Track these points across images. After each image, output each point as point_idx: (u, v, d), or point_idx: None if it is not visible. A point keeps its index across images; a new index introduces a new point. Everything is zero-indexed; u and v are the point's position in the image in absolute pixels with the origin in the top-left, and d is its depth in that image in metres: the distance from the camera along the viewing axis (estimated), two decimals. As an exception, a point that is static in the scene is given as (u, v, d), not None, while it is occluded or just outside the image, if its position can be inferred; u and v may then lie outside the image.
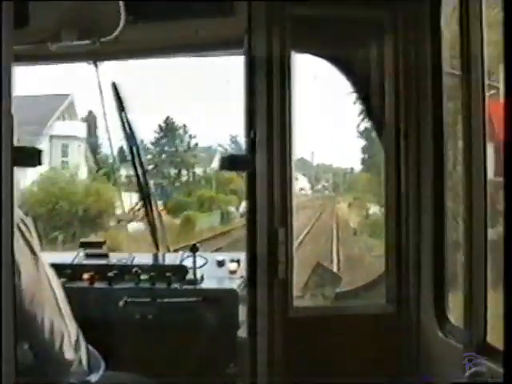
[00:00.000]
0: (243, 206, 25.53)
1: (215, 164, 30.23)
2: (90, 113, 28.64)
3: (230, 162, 3.59)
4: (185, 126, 32.17)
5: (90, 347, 3.06)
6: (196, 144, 32.42)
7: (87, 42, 3.86)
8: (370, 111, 3.84)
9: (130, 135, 4.56)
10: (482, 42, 2.95)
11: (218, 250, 14.50)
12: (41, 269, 2.76)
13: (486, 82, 3.00)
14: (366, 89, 3.81)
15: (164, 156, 32.01)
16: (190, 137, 32.41)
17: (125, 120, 4.46)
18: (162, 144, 32.01)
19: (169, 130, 32.42)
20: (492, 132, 3.11)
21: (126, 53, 4.20)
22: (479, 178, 2.93)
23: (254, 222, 3.42)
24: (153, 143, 31.60)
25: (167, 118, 32.11)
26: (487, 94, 3.01)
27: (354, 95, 3.87)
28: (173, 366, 3.87)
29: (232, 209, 28.20)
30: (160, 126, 32.09)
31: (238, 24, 3.52)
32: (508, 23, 2.16)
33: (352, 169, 32.06)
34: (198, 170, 32.04)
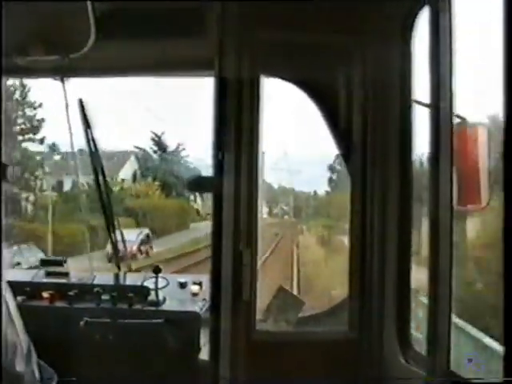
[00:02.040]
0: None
1: (127, 172, 25.23)
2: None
3: (197, 183, 3.58)
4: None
5: (41, 362, 3.01)
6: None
7: (55, 57, 3.83)
8: (337, 135, 3.85)
9: (94, 153, 4.52)
10: (451, 70, 2.99)
11: None
12: None
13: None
14: (334, 114, 3.82)
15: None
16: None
17: (90, 137, 4.42)
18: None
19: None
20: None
21: (94, 70, 4.17)
22: (446, 206, 2.95)
23: (219, 244, 3.40)
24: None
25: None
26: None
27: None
28: None
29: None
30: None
31: (209, 46, 3.52)
32: (508, 24, 2.17)
33: (315, 192, 31.26)
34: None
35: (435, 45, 2.99)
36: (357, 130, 3.65)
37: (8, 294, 2.83)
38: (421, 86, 3.42)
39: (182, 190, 31.02)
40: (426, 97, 3.16)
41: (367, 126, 3.62)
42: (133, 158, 28.73)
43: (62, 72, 4.12)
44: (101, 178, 4.55)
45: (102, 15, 3.67)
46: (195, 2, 3.64)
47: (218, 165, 3.40)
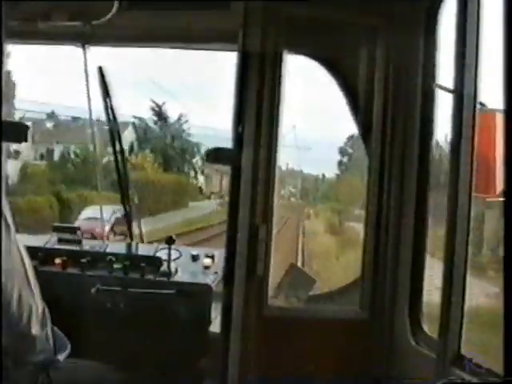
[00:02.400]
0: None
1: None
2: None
3: (216, 156, 3.58)
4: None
5: (55, 328, 3.03)
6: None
7: (78, 23, 3.82)
8: (357, 116, 3.84)
9: (112, 121, 4.52)
10: (477, 56, 2.98)
11: None
12: (12, 239, 2.71)
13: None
14: (356, 94, 3.81)
15: None
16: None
17: (109, 105, 4.42)
18: None
19: None
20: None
21: (116, 38, 4.16)
22: (465, 193, 2.95)
23: (235, 218, 3.41)
24: None
25: None
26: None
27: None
28: (143, 357, 3.84)
29: None
30: None
31: (233, 19, 3.51)
32: (508, 24, 2.16)
33: (324, 175, 30.60)
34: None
35: (462, 29, 2.98)
36: (378, 111, 3.63)
37: (26, 258, 2.85)
38: (445, 71, 3.41)
39: (182, 164, 29.94)
40: (449, 82, 3.16)
41: (388, 108, 3.61)
42: (130, 127, 27.85)
43: (83, 39, 4.11)
44: (118, 146, 4.55)
45: (127, -17, 3.66)
46: None
47: (238, 138, 3.40)
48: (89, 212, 15.06)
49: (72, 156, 24.21)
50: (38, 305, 2.82)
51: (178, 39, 4.08)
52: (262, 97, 3.44)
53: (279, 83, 3.50)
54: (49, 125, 27.49)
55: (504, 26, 2.23)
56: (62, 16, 3.84)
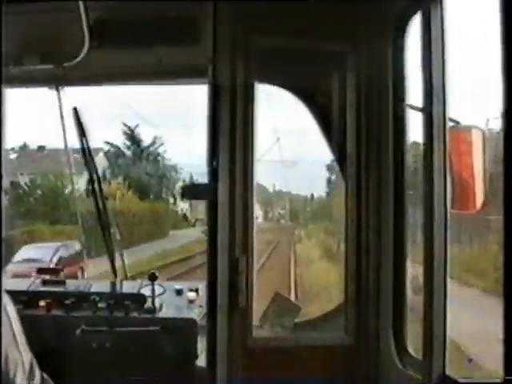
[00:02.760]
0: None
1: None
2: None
3: (192, 191, 3.58)
4: None
5: (45, 375, 2.99)
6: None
7: (50, 66, 3.84)
8: (331, 139, 3.86)
9: (89, 161, 4.52)
10: (444, 75, 3.00)
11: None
12: None
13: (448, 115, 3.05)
14: (328, 120, 3.83)
15: None
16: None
17: (85, 145, 4.42)
18: None
19: None
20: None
21: (89, 78, 4.18)
22: (440, 210, 2.96)
23: (214, 251, 3.41)
24: None
25: None
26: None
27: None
28: None
29: None
30: None
31: (203, 53, 3.53)
32: (508, 24, 2.17)
33: (312, 195, 30.27)
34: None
35: (428, 49, 3.01)
36: (350, 136, 3.65)
37: (10, 308, 2.81)
38: (415, 90, 3.44)
39: (160, 191, 28.93)
40: (419, 101, 3.18)
41: (361, 132, 3.63)
42: (101, 154, 27.12)
43: (56, 81, 4.13)
44: (96, 186, 4.54)
45: (96, 24, 3.68)
46: (189, 10, 3.65)
47: (213, 172, 3.41)
48: (26, 252, 13.29)
49: (39, 189, 23.60)
50: (23, 358, 2.78)
51: (149, 76, 4.11)
52: (235, 129, 3.46)
53: (252, 114, 3.52)
54: (12, 156, 26.77)
55: (502, 26, 2.24)
56: (33, 59, 3.86)
